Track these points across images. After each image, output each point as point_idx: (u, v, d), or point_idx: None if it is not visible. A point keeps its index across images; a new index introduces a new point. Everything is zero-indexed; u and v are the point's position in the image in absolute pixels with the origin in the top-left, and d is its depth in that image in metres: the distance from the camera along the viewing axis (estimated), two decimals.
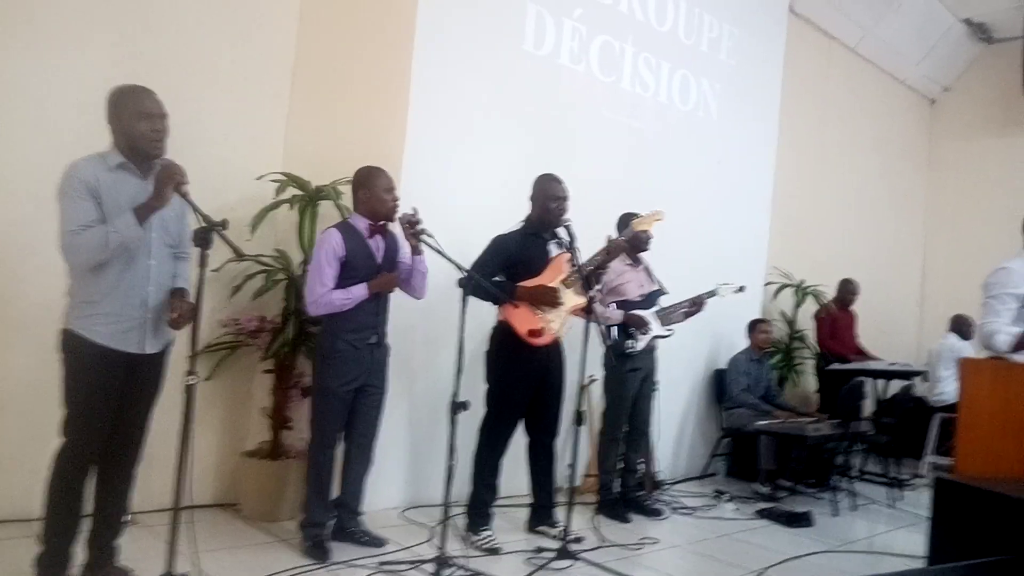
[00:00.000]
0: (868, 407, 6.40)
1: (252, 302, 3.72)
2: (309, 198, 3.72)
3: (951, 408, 4.80)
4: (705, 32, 5.60)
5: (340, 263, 3.19)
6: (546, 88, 4.60)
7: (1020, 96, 7.45)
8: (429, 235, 3.15)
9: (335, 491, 3.36)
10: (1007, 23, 7.53)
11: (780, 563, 3.69)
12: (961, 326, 6.64)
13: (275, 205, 3.70)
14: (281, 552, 3.25)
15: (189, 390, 2.40)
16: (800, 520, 4.50)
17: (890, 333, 7.71)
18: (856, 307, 6.65)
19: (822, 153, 7.20)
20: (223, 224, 2.38)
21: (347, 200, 3.63)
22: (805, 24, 6.87)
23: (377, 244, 3.32)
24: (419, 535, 3.57)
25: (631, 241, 4.24)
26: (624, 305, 4.29)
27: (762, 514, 4.62)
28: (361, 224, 3.29)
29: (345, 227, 3.28)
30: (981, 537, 2.50)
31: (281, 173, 3.80)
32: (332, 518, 3.34)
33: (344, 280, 3.20)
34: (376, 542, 3.35)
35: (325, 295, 3.16)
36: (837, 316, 6.53)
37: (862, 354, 6.50)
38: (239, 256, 2.52)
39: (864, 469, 6.20)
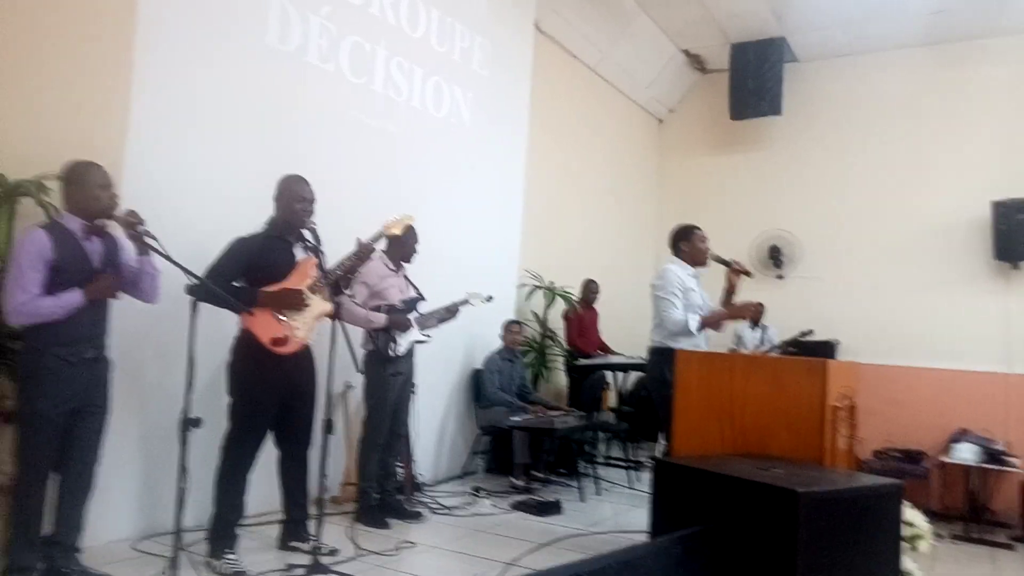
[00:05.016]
0: (612, 398, 6.99)
1: None
2: (5, 194, 3.23)
3: None
4: (457, 41, 5.74)
5: (49, 268, 2.84)
6: (292, 86, 4.41)
7: (728, 121, 8.60)
8: (152, 237, 2.89)
9: (46, 528, 2.94)
10: (718, 57, 8.62)
11: (530, 552, 3.87)
12: None
13: None
14: None
15: None
16: (550, 509, 4.78)
17: (629, 328, 8.46)
18: (598, 305, 7.21)
19: (567, 163, 7.72)
20: None
21: (53, 197, 3.24)
22: (550, 42, 7.31)
23: (94, 246, 2.99)
24: (153, 567, 3.23)
25: (397, 248, 4.27)
26: (386, 309, 4.26)
27: (516, 506, 4.83)
28: (74, 224, 2.95)
29: (54, 227, 2.94)
30: (691, 510, 2.80)
31: None
32: (41, 559, 2.92)
33: (54, 287, 2.84)
34: None
35: (29, 302, 2.79)
36: (582, 315, 7.03)
37: (605, 349, 7.05)
38: None
39: (608, 455, 6.75)
